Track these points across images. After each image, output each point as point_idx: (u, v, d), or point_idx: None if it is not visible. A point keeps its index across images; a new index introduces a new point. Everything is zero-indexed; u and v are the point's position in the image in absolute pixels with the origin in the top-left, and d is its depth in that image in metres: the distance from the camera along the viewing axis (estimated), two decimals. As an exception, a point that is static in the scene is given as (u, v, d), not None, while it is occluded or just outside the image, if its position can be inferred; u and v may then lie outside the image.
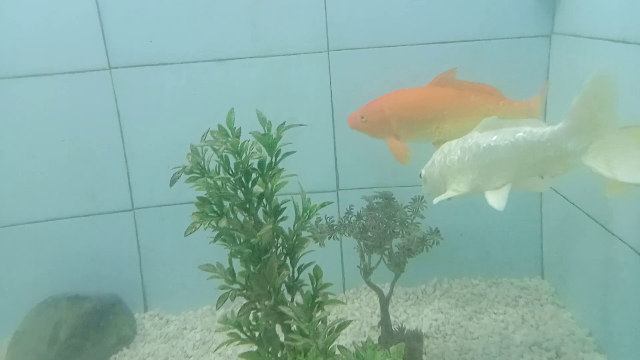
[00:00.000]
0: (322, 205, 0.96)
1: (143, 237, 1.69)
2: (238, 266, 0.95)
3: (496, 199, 1.05)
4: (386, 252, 1.31)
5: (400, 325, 1.40)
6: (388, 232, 1.29)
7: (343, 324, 0.88)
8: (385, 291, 1.35)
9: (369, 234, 1.29)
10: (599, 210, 1.36)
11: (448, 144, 1.21)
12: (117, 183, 1.66)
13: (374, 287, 1.34)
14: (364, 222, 1.31)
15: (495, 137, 1.08)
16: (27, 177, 1.61)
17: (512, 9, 1.62)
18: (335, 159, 1.69)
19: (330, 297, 0.92)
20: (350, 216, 1.32)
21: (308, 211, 0.92)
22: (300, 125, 0.94)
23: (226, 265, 0.95)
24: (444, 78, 1.45)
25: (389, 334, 1.34)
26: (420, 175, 1.30)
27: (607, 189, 0.97)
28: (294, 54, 1.66)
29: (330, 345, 0.80)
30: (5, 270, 1.62)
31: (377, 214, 1.28)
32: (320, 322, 0.83)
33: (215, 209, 0.89)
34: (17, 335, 1.49)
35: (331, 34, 1.65)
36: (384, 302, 1.35)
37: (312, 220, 0.96)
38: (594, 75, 0.86)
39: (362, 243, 1.30)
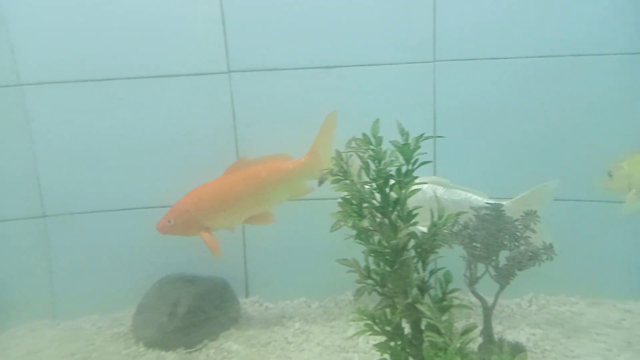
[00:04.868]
0: (458, 215, 1.02)
1: (248, 228, 1.82)
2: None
3: None
4: (492, 263, 1.34)
5: (500, 336, 1.42)
6: (496, 243, 1.31)
7: (471, 327, 0.93)
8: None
9: (475, 244, 1.33)
10: None
11: None
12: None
13: (479, 297, 1.37)
14: (470, 231, 1.35)
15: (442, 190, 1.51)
16: (146, 167, 1.78)
17: (616, 25, 1.59)
18: (435, 167, 1.72)
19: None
20: (458, 225, 1.36)
21: (444, 219, 0.98)
22: (439, 137, 1.00)
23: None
24: (235, 166, 1.58)
25: (490, 344, 1.37)
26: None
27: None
28: (400, 64, 1.72)
29: (466, 345, 0.85)
30: (129, 250, 1.81)
31: (487, 225, 1.31)
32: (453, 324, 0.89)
33: (356, 210, 0.98)
34: (140, 308, 1.68)
35: (438, 45, 1.69)
36: (488, 313, 1.37)
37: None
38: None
39: (469, 252, 1.34)
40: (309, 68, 1.74)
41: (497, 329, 1.57)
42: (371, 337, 1.55)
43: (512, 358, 0.86)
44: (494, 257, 1.33)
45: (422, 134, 0.99)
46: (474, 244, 1.33)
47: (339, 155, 1.01)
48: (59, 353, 1.58)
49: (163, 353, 1.55)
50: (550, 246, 1.27)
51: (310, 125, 1.70)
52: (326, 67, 1.74)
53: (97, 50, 1.70)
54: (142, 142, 1.76)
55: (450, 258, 1.15)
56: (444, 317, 0.92)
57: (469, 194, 1.53)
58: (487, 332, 1.37)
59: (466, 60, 1.69)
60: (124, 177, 1.77)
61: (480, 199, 1.52)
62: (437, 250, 0.98)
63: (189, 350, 1.56)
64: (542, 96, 1.68)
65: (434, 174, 1.67)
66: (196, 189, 1.60)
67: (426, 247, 0.97)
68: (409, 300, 0.91)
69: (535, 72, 1.66)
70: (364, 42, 1.71)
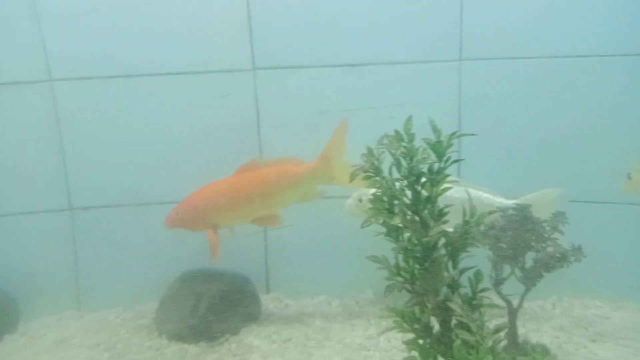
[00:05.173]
0: (490, 213, 1.01)
1: (270, 225, 1.84)
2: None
3: None
4: (519, 264, 1.33)
5: (524, 338, 1.41)
6: (523, 244, 1.30)
7: (502, 327, 0.92)
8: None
9: (501, 244, 1.32)
10: None
11: None
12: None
13: (504, 298, 1.36)
14: (495, 232, 1.34)
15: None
16: (172, 162, 1.80)
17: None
18: (459, 165, 1.71)
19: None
20: (484, 226, 1.35)
21: (475, 218, 0.97)
22: (472, 135, 1.00)
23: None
24: (246, 166, 1.58)
25: (514, 345, 1.35)
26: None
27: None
28: (425, 62, 1.72)
29: (498, 344, 0.85)
30: (152, 244, 1.83)
31: (515, 226, 1.30)
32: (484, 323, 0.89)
33: (387, 207, 0.98)
34: (163, 301, 1.70)
35: (465, 44, 1.69)
36: (513, 314, 1.36)
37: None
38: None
39: (496, 253, 1.33)
40: (333, 66, 1.75)
41: (520, 330, 1.55)
42: (392, 336, 1.56)
43: (542, 357, 0.85)
44: (520, 258, 1.32)
45: (455, 132, 0.99)
46: (499, 244, 1.32)
47: (370, 151, 1.01)
48: (85, 343, 1.61)
49: (186, 346, 1.57)
50: (579, 248, 1.26)
51: (334, 123, 1.71)
52: (351, 65, 1.75)
53: (125, 47, 1.73)
54: (168, 138, 1.79)
55: (475, 259, 1.15)
56: (475, 316, 0.92)
57: (479, 192, 1.52)
58: (511, 334, 1.36)
59: (492, 59, 1.69)
60: (149, 171, 1.80)
61: (490, 197, 1.51)
62: (468, 249, 0.98)
63: (211, 344, 1.58)
64: (562, 96, 1.67)
65: (459, 173, 1.67)
66: (206, 185, 1.62)
67: (457, 245, 0.97)
68: (440, 298, 0.91)
69: (558, 72, 1.66)
70: (389, 41, 1.71)
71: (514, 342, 1.36)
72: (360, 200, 1.60)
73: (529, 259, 1.32)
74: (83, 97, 1.75)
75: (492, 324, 0.92)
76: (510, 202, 1.51)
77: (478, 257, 1.39)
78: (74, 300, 1.84)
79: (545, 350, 1.35)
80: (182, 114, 1.79)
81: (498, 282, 1.34)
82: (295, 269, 1.86)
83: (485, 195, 1.52)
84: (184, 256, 1.81)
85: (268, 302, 1.82)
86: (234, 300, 1.68)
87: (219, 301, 1.65)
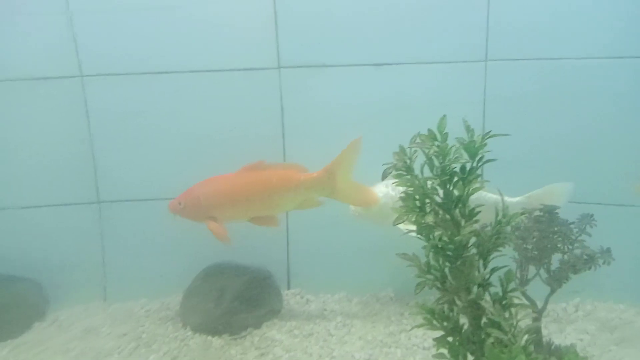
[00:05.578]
0: (522, 214, 1.02)
1: (292, 220, 1.86)
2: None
3: None
4: (544, 265, 1.33)
5: (548, 339, 1.41)
6: (549, 246, 1.30)
7: (532, 327, 0.93)
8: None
9: (527, 245, 1.32)
10: None
11: None
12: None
13: (529, 299, 1.35)
14: (521, 232, 1.34)
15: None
16: (197, 158, 1.82)
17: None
18: (482, 171, 1.70)
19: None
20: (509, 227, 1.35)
21: (508, 218, 0.98)
22: (505, 135, 1.00)
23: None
24: (252, 166, 1.59)
25: (538, 347, 1.35)
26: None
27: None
28: (451, 62, 1.72)
29: (530, 344, 0.86)
30: (177, 238, 1.85)
31: (541, 227, 1.30)
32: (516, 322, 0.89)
33: (419, 205, 0.99)
34: (187, 294, 1.74)
35: (491, 44, 1.68)
36: (537, 316, 1.36)
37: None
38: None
39: (521, 254, 1.33)
40: (359, 65, 1.76)
41: (542, 332, 1.55)
42: (413, 334, 1.57)
43: (577, 356, 0.85)
44: (545, 260, 1.32)
45: (488, 131, 0.99)
46: (524, 245, 1.32)
47: (402, 150, 1.02)
48: (112, 332, 1.66)
49: (209, 338, 1.60)
50: (608, 250, 1.25)
51: (357, 123, 1.71)
52: (376, 65, 1.75)
53: (154, 45, 1.76)
54: (194, 134, 1.82)
55: (500, 259, 1.15)
56: (506, 315, 0.92)
57: (482, 192, 1.49)
58: (536, 335, 1.36)
59: (519, 60, 1.68)
60: (175, 166, 1.83)
61: (494, 196, 1.50)
62: (499, 248, 0.98)
63: (234, 337, 1.61)
64: (585, 98, 1.66)
65: (482, 173, 1.66)
66: (210, 179, 1.65)
67: (488, 245, 0.98)
68: (472, 296, 0.92)
69: (582, 73, 1.65)
70: (414, 41, 1.71)
71: (538, 344, 1.36)
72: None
73: (555, 260, 1.32)
74: (112, 93, 1.79)
75: (531, 323, 0.92)
76: (514, 200, 1.53)
77: (503, 258, 1.40)
78: (101, 290, 1.89)
79: (572, 352, 1.35)
80: (208, 111, 1.81)
81: (523, 283, 1.34)
82: (316, 266, 1.88)
83: (490, 195, 1.50)
84: (208, 250, 1.82)
85: (289, 297, 1.85)
86: (257, 294, 1.70)
87: (242, 295, 1.67)
